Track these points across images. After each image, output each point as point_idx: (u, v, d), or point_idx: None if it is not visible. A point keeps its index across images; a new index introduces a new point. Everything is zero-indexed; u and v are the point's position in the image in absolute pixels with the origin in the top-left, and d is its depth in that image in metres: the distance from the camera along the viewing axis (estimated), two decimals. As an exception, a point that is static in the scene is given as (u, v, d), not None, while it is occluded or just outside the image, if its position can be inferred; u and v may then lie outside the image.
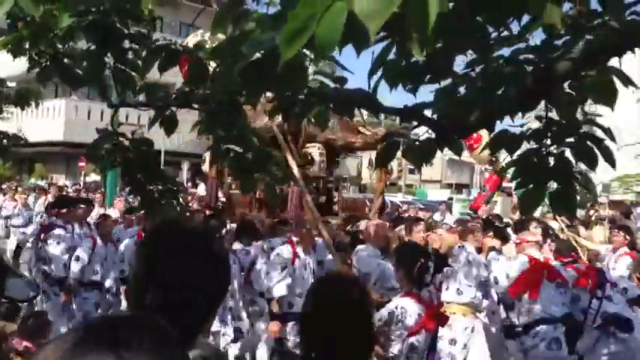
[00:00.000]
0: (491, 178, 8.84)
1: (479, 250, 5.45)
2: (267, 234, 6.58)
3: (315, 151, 8.88)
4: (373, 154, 9.37)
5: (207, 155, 9.15)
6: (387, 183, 9.95)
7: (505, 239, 5.77)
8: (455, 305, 5.07)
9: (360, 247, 5.61)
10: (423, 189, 34.51)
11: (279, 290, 5.30)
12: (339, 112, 2.87)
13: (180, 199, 4.19)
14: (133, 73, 3.31)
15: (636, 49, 1.93)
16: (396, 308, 3.55)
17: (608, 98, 2.11)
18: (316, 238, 5.70)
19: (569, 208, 2.47)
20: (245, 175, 3.40)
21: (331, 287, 2.01)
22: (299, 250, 5.53)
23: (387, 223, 6.70)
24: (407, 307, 3.54)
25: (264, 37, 1.70)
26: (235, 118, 3.00)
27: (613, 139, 2.31)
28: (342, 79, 2.51)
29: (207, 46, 2.90)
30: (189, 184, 19.96)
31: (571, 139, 2.33)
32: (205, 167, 9.61)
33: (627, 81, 2.05)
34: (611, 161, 2.31)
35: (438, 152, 2.50)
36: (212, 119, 3.09)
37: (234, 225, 7.27)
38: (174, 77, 4.42)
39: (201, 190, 15.29)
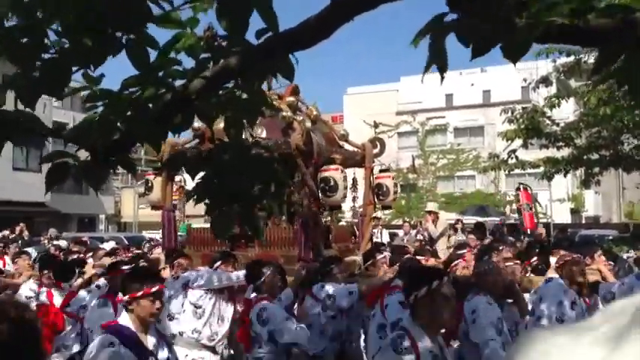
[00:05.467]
0: None
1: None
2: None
3: (337, 174, 6.91)
4: (358, 171, 7.85)
5: (155, 181, 7.27)
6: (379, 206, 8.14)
7: None
8: None
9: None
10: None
11: None
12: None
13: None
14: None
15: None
16: None
17: (251, 114, 2.33)
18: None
19: (254, 227, 2.60)
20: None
21: None
22: None
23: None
24: None
25: None
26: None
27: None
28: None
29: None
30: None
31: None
32: (156, 195, 7.33)
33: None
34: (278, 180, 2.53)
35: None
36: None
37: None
38: None
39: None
